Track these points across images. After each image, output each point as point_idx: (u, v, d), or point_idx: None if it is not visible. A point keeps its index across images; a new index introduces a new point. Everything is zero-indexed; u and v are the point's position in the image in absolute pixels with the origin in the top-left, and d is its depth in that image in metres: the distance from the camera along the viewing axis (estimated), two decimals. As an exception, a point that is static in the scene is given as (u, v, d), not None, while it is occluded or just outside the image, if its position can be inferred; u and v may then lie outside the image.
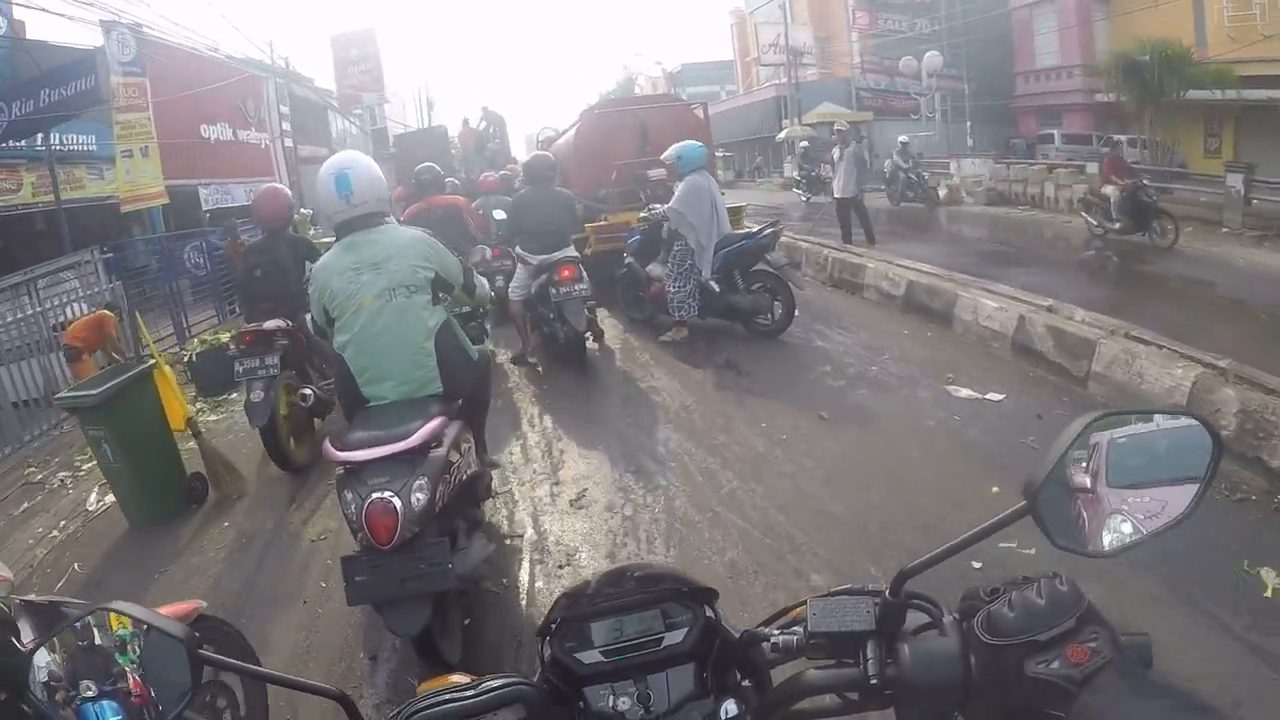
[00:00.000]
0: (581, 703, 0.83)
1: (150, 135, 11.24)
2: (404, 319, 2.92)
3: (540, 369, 6.55)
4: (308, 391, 5.04)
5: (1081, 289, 8.17)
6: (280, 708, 2.52)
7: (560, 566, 3.49)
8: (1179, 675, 2.29)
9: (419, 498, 2.50)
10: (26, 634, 1.97)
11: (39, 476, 5.80)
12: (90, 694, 0.76)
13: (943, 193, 18.24)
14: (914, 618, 0.76)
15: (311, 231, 11.95)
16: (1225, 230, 11.75)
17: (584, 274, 6.10)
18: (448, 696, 0.77)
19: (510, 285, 6.53)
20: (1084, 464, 0.71)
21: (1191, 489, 0.70)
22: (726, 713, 0.81)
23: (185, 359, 7.66)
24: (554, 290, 6.01)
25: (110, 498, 4.81)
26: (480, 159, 12.84)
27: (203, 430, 4.99)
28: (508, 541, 3.76)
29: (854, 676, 0.72)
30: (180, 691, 0.72)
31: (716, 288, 6.46)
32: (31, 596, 2.28)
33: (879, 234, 11.37)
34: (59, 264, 8.56)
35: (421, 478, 2.54)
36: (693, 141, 6.72)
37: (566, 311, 5.97)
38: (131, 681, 0.75)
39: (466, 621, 2.95)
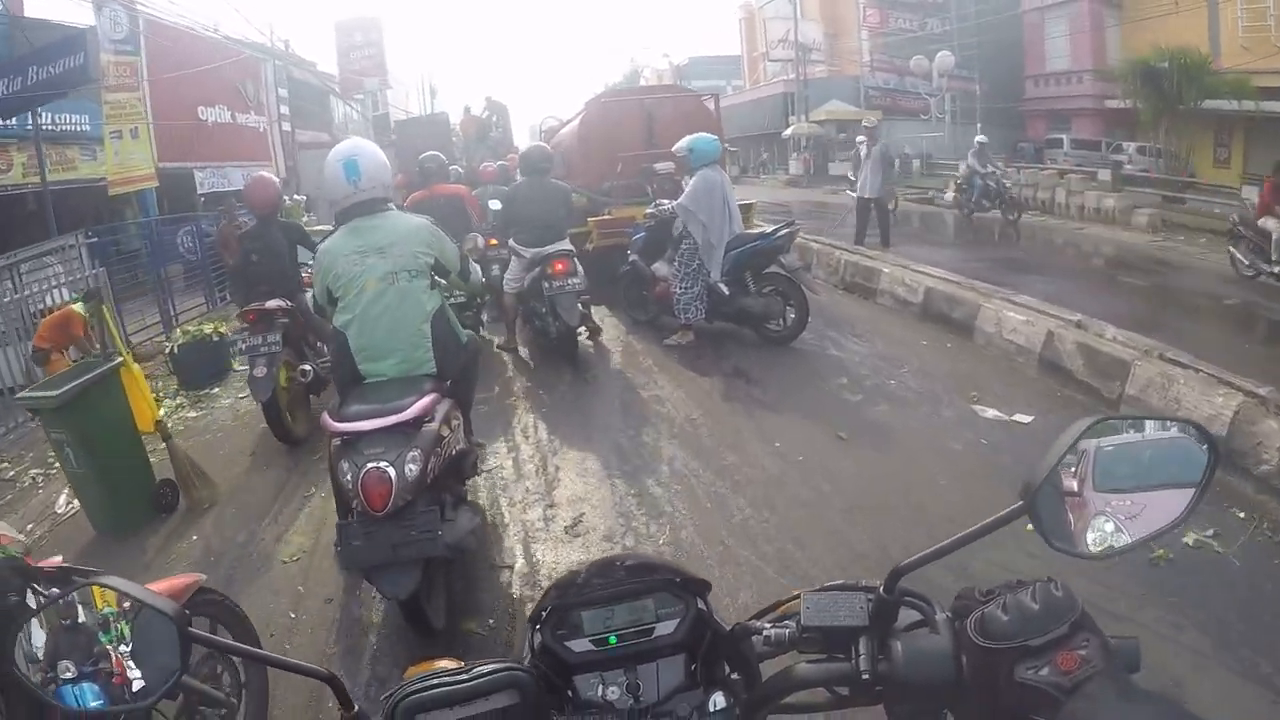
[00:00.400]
0: (571, 691, 0.82)
1: (141, 116, 10.84)
2: (405, 302, 3.03)
3: (532, 364, 6.37)
4: (307, 368, 5.23)
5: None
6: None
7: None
8: (1165, 681, 2.31)
9: (412, 468, 2.60)
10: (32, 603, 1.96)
11: (10, 473, 5.46)
12: (69, 675, 0.74)
13: (949, 195, 17.85)
14: (906, 615, 0.74)
15: (305, 218, 11.62)
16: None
17: (578, 268, 5.98)
18: (439, 680, 0.75)
19: (504, 277, 6.40)
20: (1073, 469, 0.71)
21: (1188, 494, 0.69)
22: (715, 705, 0.80)
23: (168, 350, 7.30)
24: (547, 284, 5.87)
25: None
26: (482, 148, 12.48)
27: (173, 434, 4.65)
28: (493, 572, 3.42)
29: (845, 671, 0.72)
30: (169, 671, 0.70)
31: (726, 290, 6.08)
32: (46, 562, 2.25)
33: (901, 237, 10.88)
34: (42, 248, 8.17)
35: (415, 449, 2.65)
36: (705, 134, 6.34)
37: (559, 306, 5.84)
38: (114, 661, 0.73)
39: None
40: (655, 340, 6.67)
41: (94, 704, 0.74)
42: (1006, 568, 2.55)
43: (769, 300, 6.17)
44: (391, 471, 2.57)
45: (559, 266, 5.87)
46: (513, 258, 6.36)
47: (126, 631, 0.73)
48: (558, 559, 3.46)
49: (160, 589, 2.26)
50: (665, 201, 6.47)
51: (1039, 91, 26.33)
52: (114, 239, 10.42)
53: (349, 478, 2.60)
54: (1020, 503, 0.67)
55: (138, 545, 4.06)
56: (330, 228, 5.79)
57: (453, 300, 4.32)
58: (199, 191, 14.80)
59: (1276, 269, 8.37)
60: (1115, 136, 23.07)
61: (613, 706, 0.81)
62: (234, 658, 2.26)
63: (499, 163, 9.76)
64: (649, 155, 8.07)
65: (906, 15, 28.09)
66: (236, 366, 7.53)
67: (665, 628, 0.83)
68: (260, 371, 4.82)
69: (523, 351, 6.71)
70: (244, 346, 5.05)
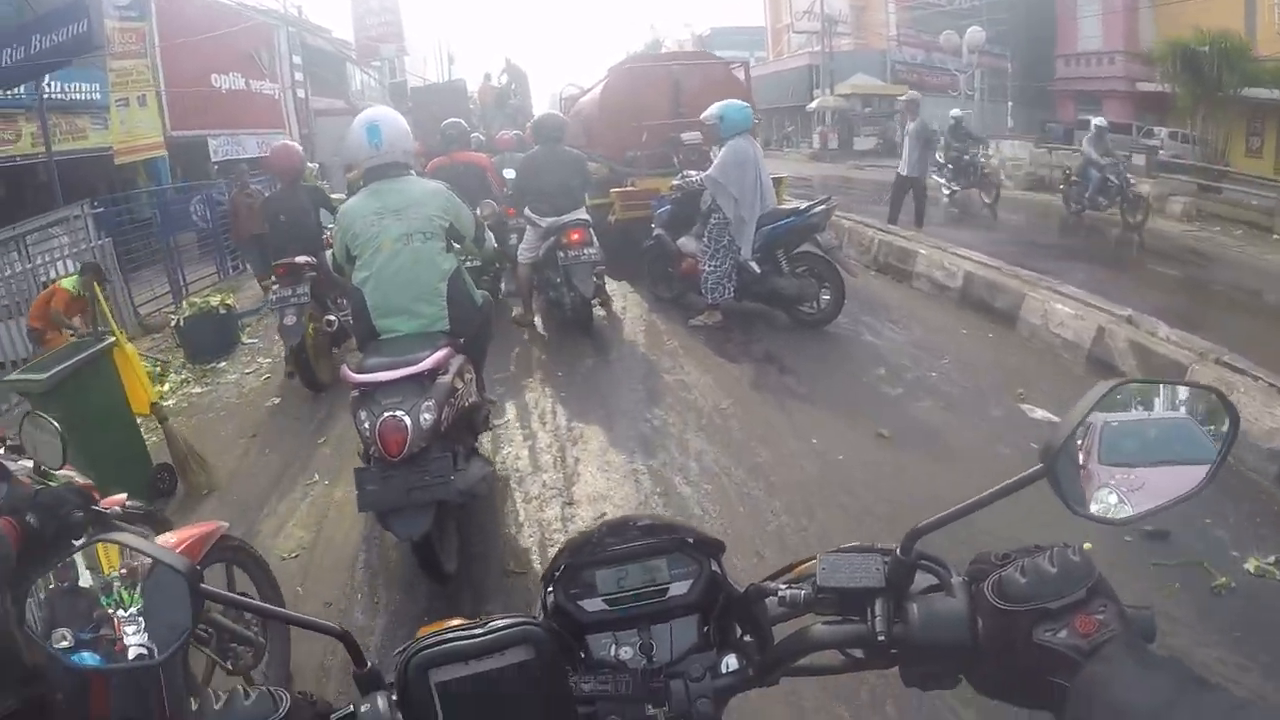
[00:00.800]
0: (583, 652, 0.81)
1: (149, 83, 10.48)
2: (419, 261, 3.14)
3: (550, 339, 6.15)
4: (332, 318, 5.57)
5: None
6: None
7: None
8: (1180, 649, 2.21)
9: (427, 417, 2.71)
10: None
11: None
12: (65, 644, 0.70)
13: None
14: (921, 580, 0.71)
15: (318, 185, 11.32)
16: (1276, 237, 10.81)
17: (594, 238, 5.80)
18: (455, 635, 0.73)
19: (519, 248, 6.25)
20: (1079, 440, 0.68)
21: (1196, 471, 0.68)
22: (728, 666, 0.79)
23: (174, 323, 7.03)
24: (562, 254, 5.69)
25: (78, 484, 4.22)
26: (500, 115, 12.07)
27: (176, 412, 4.42)
28: (507, 579, 3.12)
29: (861, 633, 0.71)
30: (180, 628, 0.68)
31: (757, 268, 5.66)
32: (108, 500, 2.25)
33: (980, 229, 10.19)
34: (47, 219, 7.91)
35: (429, 399, 2.76)
36: (737, 101, 5.88)
37: (574, 276, 5.67)
38: (115, 625, 0.69)
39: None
40: (680, 319, 6.29)
41: (102, 664, 0.70)
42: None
43: (803, 281, 5.74)
44: (407, 420, 2.68)
45: (575, 236, 5.67)
46: (527, 227, 6.18)
47: (126, 595, 0.70)
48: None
49: (184, 536, 2.17)
50: (693, 173, 6.03)
51: (1069, 71, 25.26)
52: (127, 208, 10.16)
53: (367, 425, 2.72)
54: (1040, 465, 0.65)
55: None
56: (343, 196, 5.73)
57: (469, 265, 4.50)
58: (213, 159, 14.48)
59: None
60: (1146, 120, 22.15)
61: (625, 666, 0.79)
62: (254, 597, 2.31)
63: (515, 131, 9.42)
64: (675, 125, 7.62)
65: (935, -12, 27.16)
66: (245, 339, 7.29)
67: (679, 588, 0.81)
68: (290, 320, 5.20)
69: (539, 324, 6.51)
70: (275, 298, 5.37)
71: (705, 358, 5.45)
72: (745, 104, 5.85)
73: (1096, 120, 11.92)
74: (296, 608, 3.01)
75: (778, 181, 7.41)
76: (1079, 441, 0.68)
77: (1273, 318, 7.28)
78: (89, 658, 0.70)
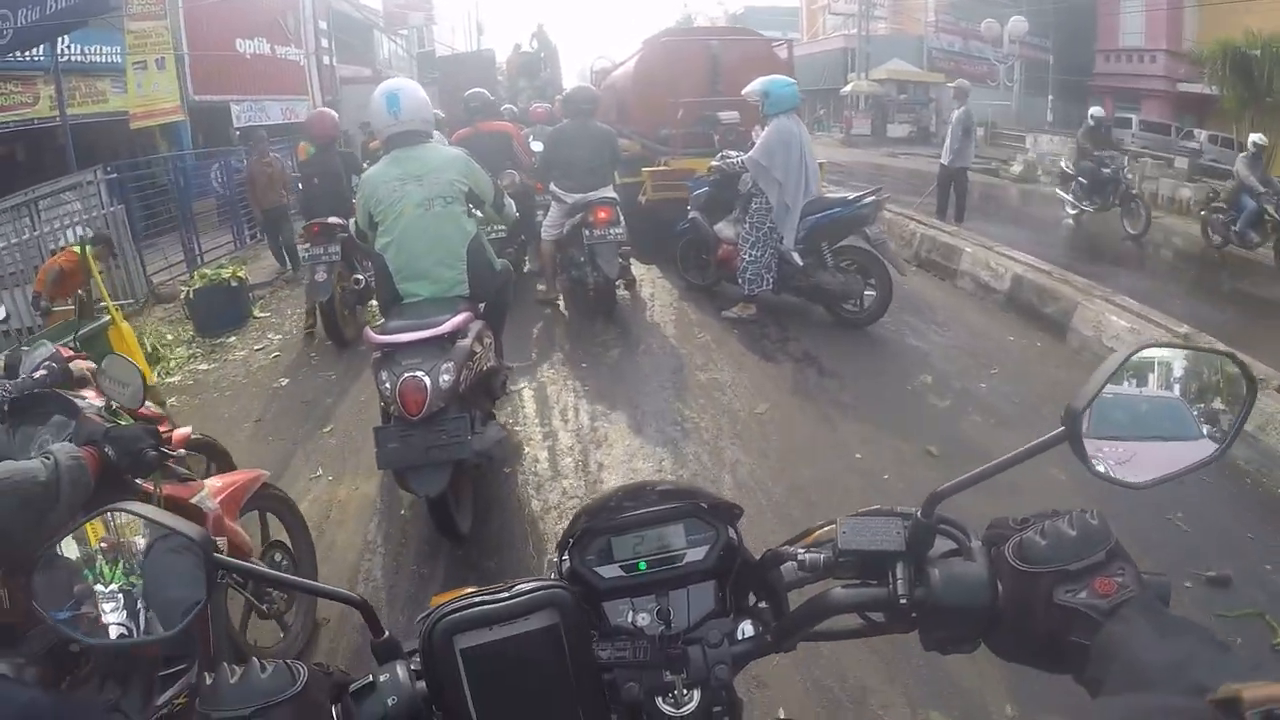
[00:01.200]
0: (599, 618, 0.79)
1: (167, 46, 10.12)
2: (440, 226, 3.18)
3: (574, 325, 5.85)
4: (359, 277, 5.72)
5: None
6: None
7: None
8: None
9: (446, 378, 2.77)
10: None
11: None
12: (73, 616, 0.68)
13: (1017, 169, 16.54)
14: (939, 545, 0.71)
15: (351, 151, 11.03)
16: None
17: (621, 217, 5.57)
18: (479, 599, 0.72)
19: (543, 224, 6.09)
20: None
21: (1187, 447, 0.68)
22: (744, 632, 0.78)
23: (183, 295, 6.76)
24: (587, 232, 5.49)
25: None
26: (530, 87, 11.64)
27: (181, 390, 4.14)
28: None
29: (882, 596, 0.70)
30: (191, 601, 0.66)
31: (799, 260, 5.21)
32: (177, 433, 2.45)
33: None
34: (59, 184, 7.61)
35: (449, 361, 2.81)
36: (782, 76, 5.40)
37: (599, 256, 5.46)
38: (126, 598, 0.68)
39: None
40: (712, 309, 5.90)
41: (111, 639, 0.69)
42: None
43: (848, 277, 5.28)
44: (426, 380, 2.72)
45: (601, 214, 5.44)
46: (552, 203, 5.96)
47: (138, 565, 0.69)
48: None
49: (228, 482, 2.31)
50: (733, 153, 5.56)
51: (1108, 67, 24.36)
52: (149, 173, 9.89)
53: (388, 385, 2.77)
54: (1061, 429, 0.64)
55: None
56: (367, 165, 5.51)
57: (493, 235, 4.51)
58: (235, 125, 14.18)
59: None
60: (1185, 122, 21.41)
61: (643, 633, 0.77)
62: (287, 545, 2.49)
63: (547, 104, 9.09)
64: (713, 102, 7.18)
65: (975, -25, 26.21)
66: (257, 313, 7.01)
67: (695, 554, 0.79)
68: (321, 276, 5.44)
69: (561, 304, 6.28)
70: (307, 255, 5.70)
71: (739, 354, 5.05)
72: (791, 80, 5.38)
73: (1254, 137, 9.64)
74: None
75: (818, 166, 6.97)
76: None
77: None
78: (100, 629, 0.68)
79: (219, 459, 3.26)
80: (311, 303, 5.80)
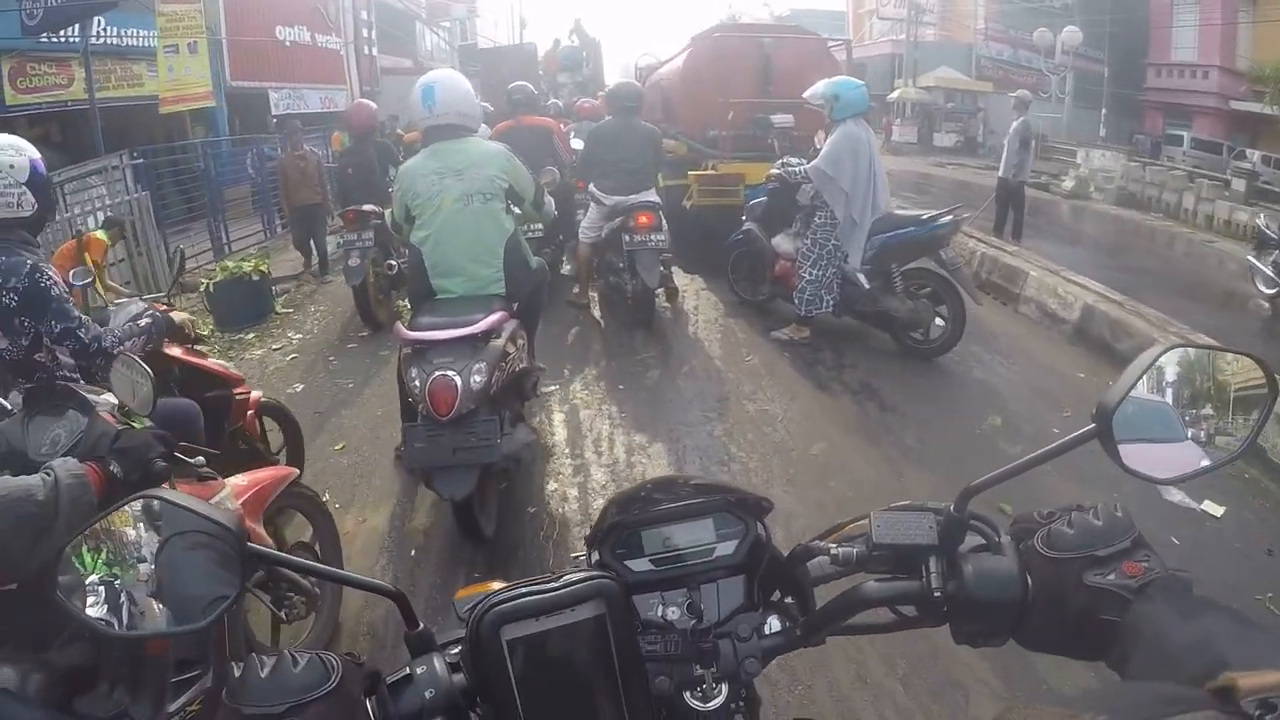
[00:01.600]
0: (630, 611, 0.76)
1: (200, 29, 9.84)
2: (479, 223, 3.07)
3: (610, 338, 5.45)
4: (392, 263, 5.69)
5: None
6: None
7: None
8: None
9: (477, 379, 2.66)
10: None
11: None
12: (100, 610, 0.65)
13: (1069, 184, 15.80)
14: (968, 540, 0.71)
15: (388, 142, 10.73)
16: None
17: (663, 223, 5.23)
18: (527, 590, 0.69)
19: (580, 225, 5.78)
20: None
21: (1185, 446, 0.68)
22: (772, 626, 0.77)
23: (203, 287, 6.45)
24: (627, 237, 5.13)
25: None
26: (571, 83, 11.28)
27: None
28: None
29: (915, 590, 0.70)
30: (227, 591, 0.64)
31: (866, 283, 4.68)
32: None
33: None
34: (84, 168, 7.37)
35: (481, 361, 2.71)
36: (851, 79, 4.89)
37: (638, 263, 5.10)
38: (158, 588, 0.65)
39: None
40: (761, 327, 5.42)
41: (138, 631, 0.66)
42: None
43: (918, 303, 4.73)
44: (458, 380, 2.63)
45: (642, 219, 5.10)
46: (591, 204, 5.60)
47: (170, 555, 0.65)
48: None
49: (256, 479, 2.25)
50: (795, 160, 5.02)
51: (1160, 82, 23.33)
52: (184, 157, 9.65)
53: (417, 384, 2.68)
54: (1093, 425, 0.64)
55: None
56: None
57: (530, 234, 4.34)
58: (273, 113, 13.96)
59: None
60: (1237, 141, 20.38)
61: (673, 626, 0.76)
62: (315, 549, 2.40)
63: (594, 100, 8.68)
64: (766, 105, 6.70)
65: (1027, -17, 25.34)
66: (279, 309, 6.69)
67: (725, 548, 0.79)
68: (354, 261, 5.50)
69: (595, 311, 5.93)
70: (341, 241, 5.75)
71: (792, 383, 4.56)
72: (860, 82, 4.87)
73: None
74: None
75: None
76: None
77: None
78: (126, 621, 0.65)
79: (288, 426, 3.39)
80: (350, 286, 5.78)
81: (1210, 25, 21.43)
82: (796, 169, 4.85)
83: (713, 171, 6.66)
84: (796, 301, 4.91)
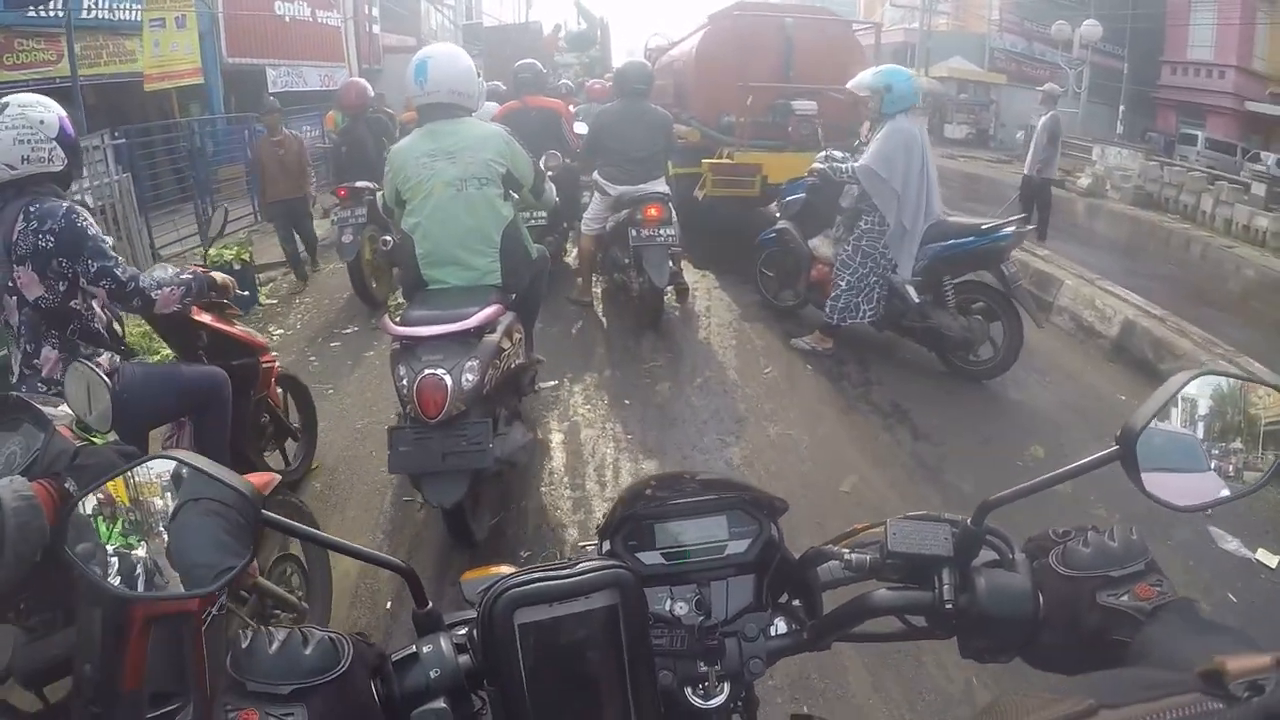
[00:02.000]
0: None
1: (189, 3, 9.33)
2: (473, 209, 2.87)
3: (615, 342, 5.00)
4: (388, 238, 5.39)
5: None
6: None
7: None
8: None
9: (469, 378, 2.49)
10: None
11: None
12: (107, 569, 0.63)
13: (1085, 182, 15.28)
14: (982, 555, 0.69)
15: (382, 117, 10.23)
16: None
17: (673, 216, 4.79)
18: (543, 574, 0.67)
19: (583, 217, 5.37)
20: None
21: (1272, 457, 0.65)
22: (778, 628, 0.76)
23: (181, 275, 6.00)
24: (634, 231, 4.72)
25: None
26: (578, 63, 10.80)
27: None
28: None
29: (926, 600, 0.68)
30: (237, 557, 0.62)
31: (916, 296, 4.17)
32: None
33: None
34: (65, 148, 6.89)
35: (474, 359, 2.54)
36: (901, 68, 4.36)
37: (646, 260, 4.69)
38: (165, 552, 0.63)
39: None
40: (779, 332, 4.97)
41: (144, 592, 0.64)
42: None
43: (972, 321, 4.20)
44: (448, 379, 2.46)
45: (651, 212, 4.69)
46: (595, 194, 5.20)
47: (179, 519, 0.63)
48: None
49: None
50: (841, 155, 4.42)
51: (1174, 80, 22.81)
52: (169, 137, 9.17)
53: (405, 383, 2.51)
54: (1115, 448, 0.62)
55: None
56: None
57: (532, 222, 4.10)
58: (270, 90, 13.42)
59: None
60: (1251, 143, 19.91)
61: (680, 622, 0.75)
62: (299, 558, 2.24)
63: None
64: (786, 90, 6.23)
65: (1043, -24, 24.67)
66: (263, 299, 6.26)
67: (737, 546, 0.78)
68: (348, 238, 5.42)
69: (598, 309, 5.55)
70: (335, 218, 5.59)
71: (815, 401, 4.10)
72: (911, 72, 4.36)
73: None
74: None
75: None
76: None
77: None
78: (134, 584, 0.64)
79: (302, 397, 3.36)
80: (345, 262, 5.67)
81: (1228, 25, 20.97)
82: (843, 166, 4.27)
83: (728, 160, 6.18)
84: (829, 309, 4.41)
